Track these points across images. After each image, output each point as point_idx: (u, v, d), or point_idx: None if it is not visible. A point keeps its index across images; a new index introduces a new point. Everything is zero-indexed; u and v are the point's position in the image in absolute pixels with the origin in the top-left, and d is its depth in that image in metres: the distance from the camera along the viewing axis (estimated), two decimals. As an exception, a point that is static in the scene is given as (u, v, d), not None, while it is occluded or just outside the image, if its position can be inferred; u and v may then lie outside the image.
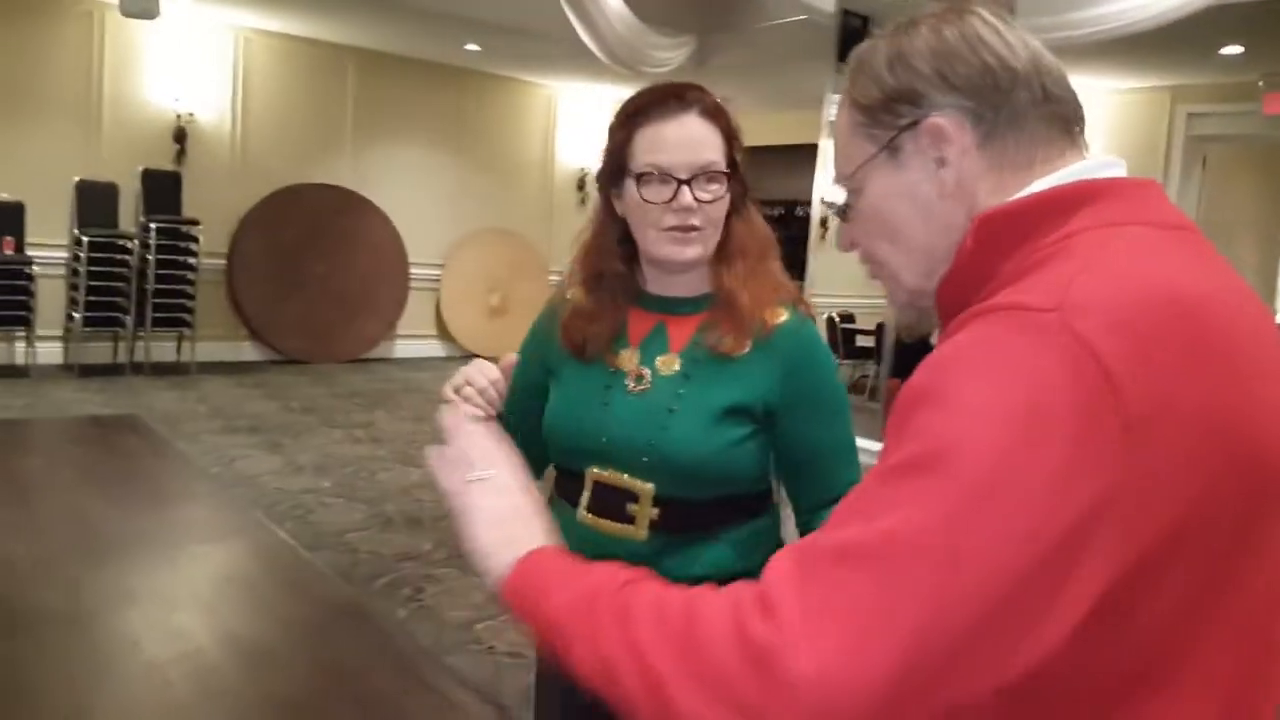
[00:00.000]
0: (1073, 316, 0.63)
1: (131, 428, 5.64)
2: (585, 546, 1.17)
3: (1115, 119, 8.19)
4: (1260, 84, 7.40)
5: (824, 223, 6.23)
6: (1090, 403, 0.61)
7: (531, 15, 7.34)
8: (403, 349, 9.91)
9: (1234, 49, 6.80)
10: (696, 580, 0.76)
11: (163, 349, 8.18)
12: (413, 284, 9.79)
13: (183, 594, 2.50)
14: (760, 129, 11.63)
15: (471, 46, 8.70)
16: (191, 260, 8.03)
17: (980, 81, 0.77)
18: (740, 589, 0.67)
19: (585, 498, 1.33)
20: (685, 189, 1.26)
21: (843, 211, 0.87)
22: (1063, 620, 0.61)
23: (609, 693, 0.71)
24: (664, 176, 1.26)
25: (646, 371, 1.31)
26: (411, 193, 9.76)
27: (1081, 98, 0.82)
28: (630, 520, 1.29)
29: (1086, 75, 7.55)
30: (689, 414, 1.27)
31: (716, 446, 1.26)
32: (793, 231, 10.52)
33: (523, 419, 1.32)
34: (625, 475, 1.29)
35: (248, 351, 8.98)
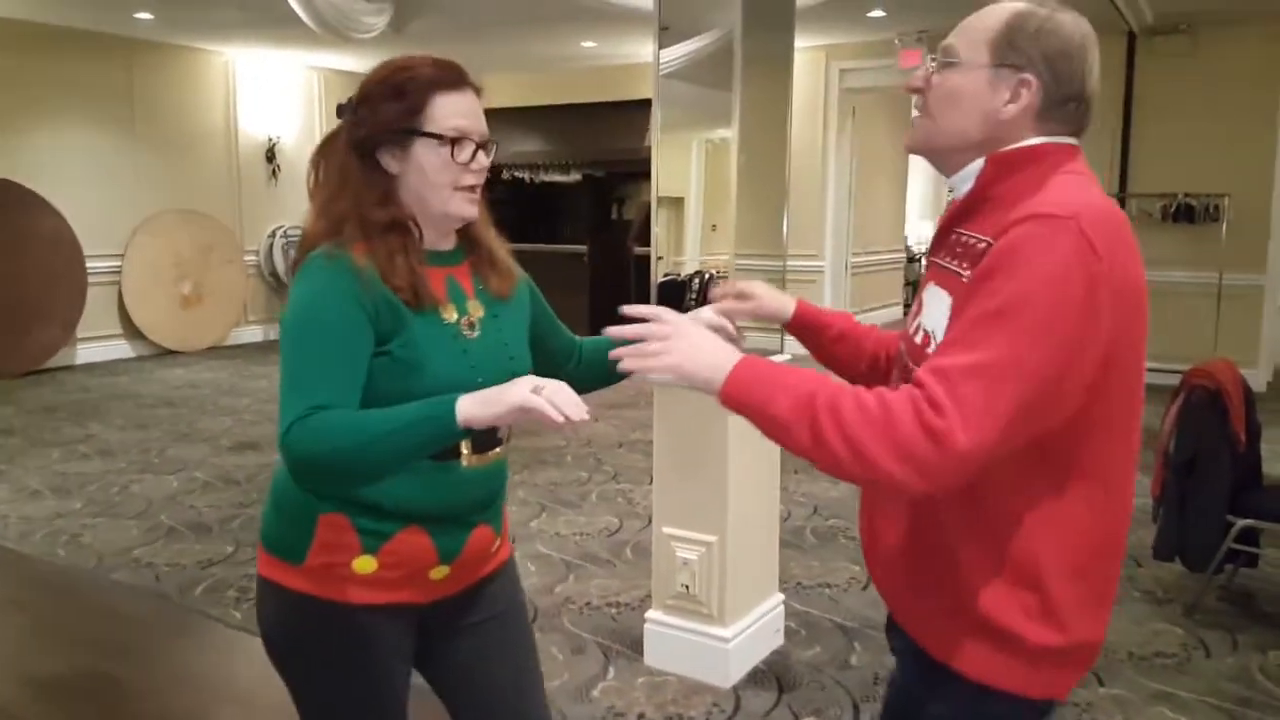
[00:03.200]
0: (1080, 221, 1.10)
1: None
2: (468, 488, 1.49)
3: (784, 75, 9.11)
4: (896, 41, 8.61)
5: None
6: (1091, 272, 1.09)
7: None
8: (86, 354, 8.93)
9: (879, 12, 7.85)
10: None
11: None
12: (91, 280, 8.81)
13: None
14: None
15: (143, 15, 7.92)
16: None
17: (1059, 69, 1.23)
18: (909, 393, 1.09)
19: (466, 444, 1.45)
20: (481, 152, 1.45)
21: (940, 67, 1.28)
22: (1079, 387, 1.11)
23: (823, 462, 1.12)
24: (467, 140, 1.43)
25: (472, 318, 1.48)
26: (81, 179, 8.72)
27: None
28: (500, 443, 1.52)
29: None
30: (517, 344, 1.56)
31: (530, 362, 1.56)
32: (500, 194, 10.67)
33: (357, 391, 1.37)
34: None
35: (-106, 375, 7.70)
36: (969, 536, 1.22)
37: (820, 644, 3.22)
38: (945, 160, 1.31)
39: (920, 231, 15.23)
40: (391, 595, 1.47)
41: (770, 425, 1.16)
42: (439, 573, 1.49)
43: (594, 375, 1.72)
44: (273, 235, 10.35)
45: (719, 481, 2.82)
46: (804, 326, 1.58)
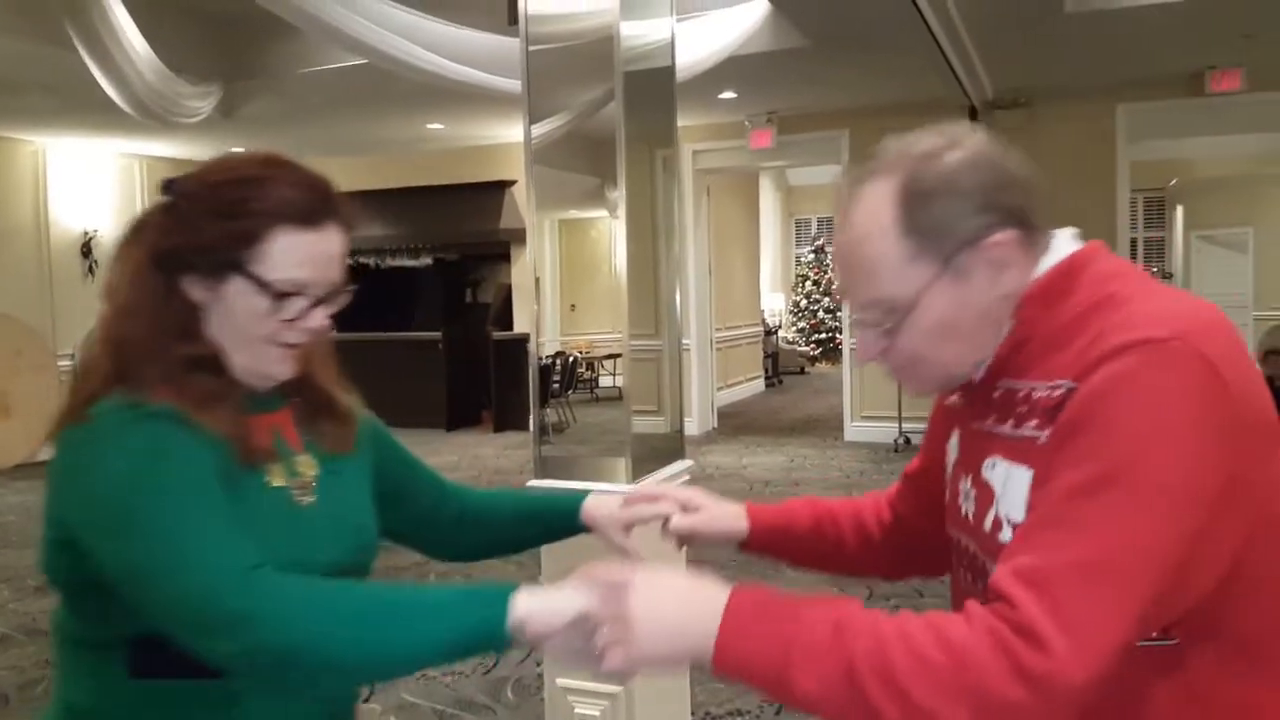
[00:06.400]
0: (1189, 341, 0.84)
1: None
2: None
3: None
4: (746, 123, 8.69)
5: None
6: (1221, 409, 0.83)
7: (16, 66, 6.22)
8: None
9: (729, 93, 7.87)
10: None
11: None
12: None
13: None
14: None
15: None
16: None
17: (1013, 198, 0.95)
18: (985, 619, 0.81)
19: None
20: (317, 310, 1.13)
21: (889, 329, 0.99)
22: (1224, 557, 0.85)
23: None
24: (299, 297, 1.11)
25: (305, 479, 1.16)
26: None
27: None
28: None
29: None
30: (363, 510, 1.22)
31: (377, 528, 1.24)
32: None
33: None
34: None
35: None
36: None
37: (739, 795, 2.85)
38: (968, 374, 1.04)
39: (772, 304, 15.47)
40: None
41: (795, 704, 0.86)
42: None
43: (490, 543, 1.38)
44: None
45: (619, 620, 2.44)
46: (769, 535, 1.29)
